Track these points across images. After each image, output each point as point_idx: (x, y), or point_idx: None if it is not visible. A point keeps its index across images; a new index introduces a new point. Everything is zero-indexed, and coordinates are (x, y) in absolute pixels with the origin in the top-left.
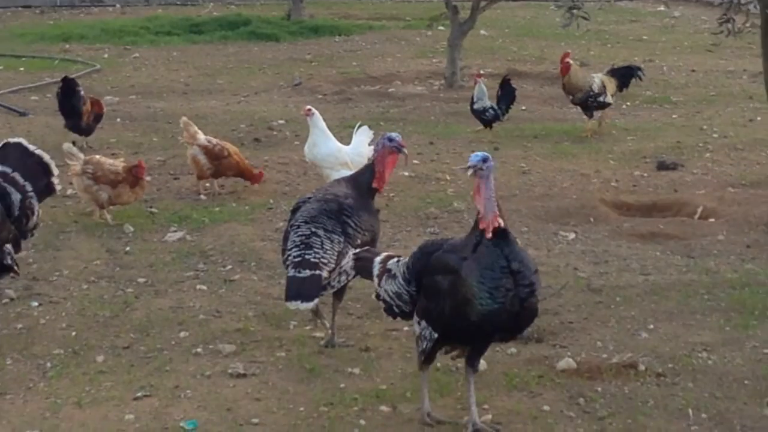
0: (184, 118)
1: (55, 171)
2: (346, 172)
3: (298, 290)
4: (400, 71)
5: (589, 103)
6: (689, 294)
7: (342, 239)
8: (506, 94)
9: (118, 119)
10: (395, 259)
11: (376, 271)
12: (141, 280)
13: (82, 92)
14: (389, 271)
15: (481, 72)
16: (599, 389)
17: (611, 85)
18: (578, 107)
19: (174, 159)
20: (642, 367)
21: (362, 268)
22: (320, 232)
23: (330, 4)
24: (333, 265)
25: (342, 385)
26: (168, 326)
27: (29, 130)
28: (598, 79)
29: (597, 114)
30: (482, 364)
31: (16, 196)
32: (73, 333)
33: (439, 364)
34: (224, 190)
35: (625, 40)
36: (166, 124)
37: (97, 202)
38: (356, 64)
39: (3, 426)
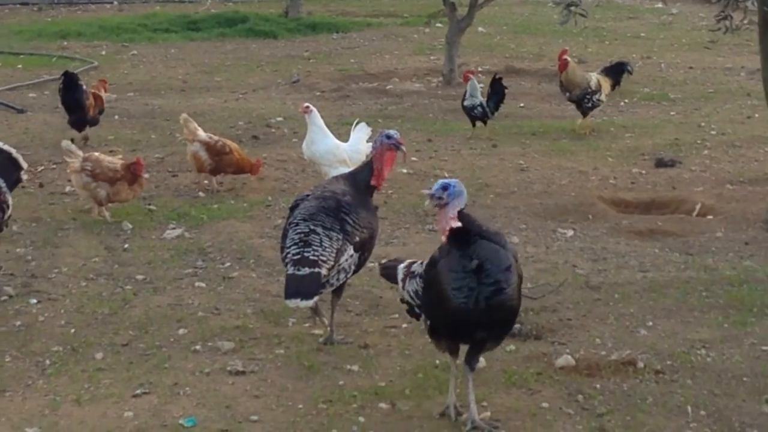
0: (184, 115)
1: (24, 165)
2: (345, 170)
3: (297, 288)
4: (398, 68)
5: (585, 101)
6: (688, 291)
7: (340, 237)
8: (495, 93)
9: (116, 116)
10: (419, 262)
11: (400, 275)
12: (139, 277)
13: (84, 86)
14: (413, 273)
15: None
16: (598, 386)
17: (606, 84)
18: (574, 105)
19: (172, 156)
20: (641, 364)
21: (389, 276)
22: (319, 230)
23: (327, 2)
24: (332, 263)
25: (341, 382)
26: (167, 323)
27: (27, 128)
28: (594, 78)
29: (593, 113)
30: (481, 361)
31: None
32: (72, 330)
33: (438, 362)
34: (222, 188)
35: (622, 37)
36: (164, 122)
37: (95, 200)
38: (354, 61)
39: (2, 423)
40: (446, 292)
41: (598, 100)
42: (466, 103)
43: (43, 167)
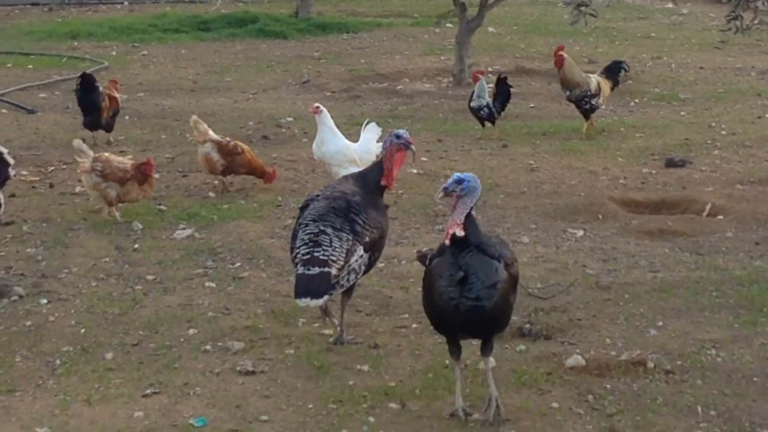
0: (194, 117)
1: (11, 160)
2: (355, 170)
3: (307, 287)
4: (408, 68)
5: (584, 102)
6: (698, 291)
7: (350, 237)
8: (501, 92)
9: (127, 117)
10: None
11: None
12: (150, 277)
13: (100, 88)
14: None
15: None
16: (608, 386)
17: (606, 87)
18: (573, 105)
19: (182, 156)
20: (651, 364)
21: (422, 259)
22: (328, 230)
23: (338, 2)
24: (342, 263)
25: (351, 383)
26: (177, 323)
27: (38, 128)
28: (594, 80)
29: (596, 114)
30: (491, 361)
31: None
32: (82, 330)
33: (447, 362)
34: (233, 188)
35: (633, 38)
36: (174, 122)
37: (105, 200)
38: (364, 61)
39: (12, 423)
40: (432, 291)
41: (597, 103)
42: (472, 104)
43: (53, 167)
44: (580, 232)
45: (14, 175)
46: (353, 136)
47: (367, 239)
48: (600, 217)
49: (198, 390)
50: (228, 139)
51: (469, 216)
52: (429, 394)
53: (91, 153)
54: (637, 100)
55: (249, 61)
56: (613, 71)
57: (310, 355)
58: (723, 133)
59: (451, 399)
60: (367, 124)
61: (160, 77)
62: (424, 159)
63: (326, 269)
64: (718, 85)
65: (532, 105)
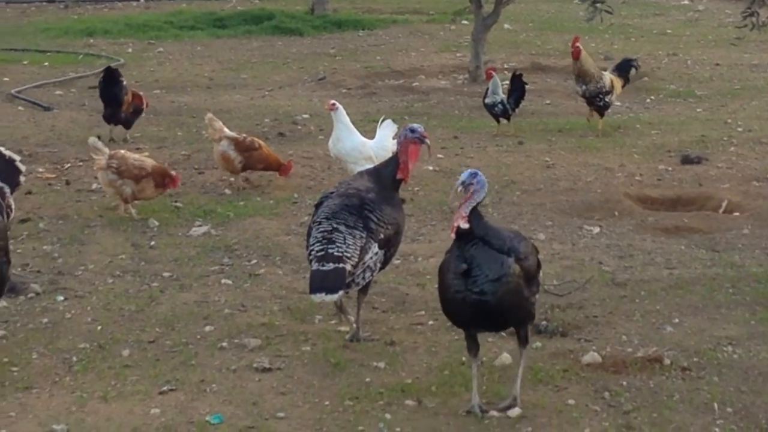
0: (210, 115)
1: (23, 168)
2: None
3: (322, 283)
4: (424, 65)
5: (598, 99)
6: (714, 288)
7: (364, 234)
8: (516, 89)
9: (143, 114)
10: None
11: None
12: (166, 274)
13: (124, 82)
14: None
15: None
16: (624, 383)
17: (618, 84)
18: (586, 101)
19: (198, 153)
20: (667, 361)
21: None
22: (342, 228)
23: None
24: (356, 260)
25: (367, 380)
26: (193, 320)
27: (54, 125)
28: (608, 77)
29: (607, 113)
30: (507, 357)
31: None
32: (99, 327)
33: (464, 359)
34: (249, 185)
35: (648, 34)
36: (190, 119)
37: (121, 197)
38: (380, 58)
39: (29, 420)
40: (441, 285)
41: (611, 100)
42: (487, 100)
43: (69, 164)
44: (596, 229)
45: (23, 182)
46: (369, 133)
47: (382, 236)
48: (616, 213)
49: (214, 387)
50: (244, 135)
51: (474, 209)
52: (445, 391)
53: (106, 150)
54: (653, 97)
55: (265, 58)
56: (624, 69)
57: (326, 352)
58: (739, 129)
59: (467, 396)
60: (383, 121)
61: (176, 74)
62: (439, 156)
63: (341, 265)
64: (734, 81)
65: (547, 102)
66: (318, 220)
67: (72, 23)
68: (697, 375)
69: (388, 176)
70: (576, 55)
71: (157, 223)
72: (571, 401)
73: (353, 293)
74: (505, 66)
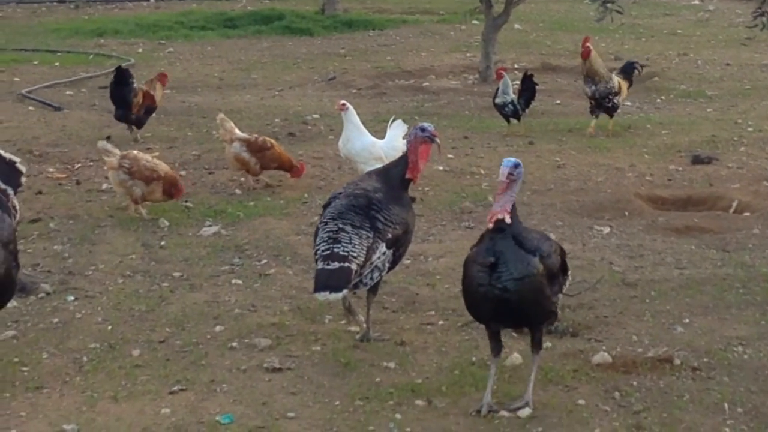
0: (221, 115)
1: (24, 169)
2: None
3: (326, 281)
4: (434, 65)
5: (607, 101)
6: (724, 288)
7: (371, 234)
8: (526, 89)
9: (153, 113)
10: None
11: None
12: (176, 274)
13: (135, 84)
14: None
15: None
16: (634, 383)
17: (624, 87)
18: (594, 102)
19: (209, 153)
20: (677, 361)
21: None
22: (348, 228)
23: None
24: (362, 260)
25: (377, 380)
26: (203, 320)
27: (64, 125)
28: (615, 79)
29: (616, 113)
30: (517, 357)
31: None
32: (109, 327)
33: (474, 359)
34: (259, 185)
35: (659, 34)
36: (200, 119)
37: (131, 197)
38: (390, 58)
39: (40, 420)
40: (465, 276)
41: (619, 101)
42: (497, 100)
43: (80, 164)
44: (607, 229)
45: (24, 183)
46: (379, 133)
47: (390, 236)
48: (626, 213)
49: (224, 387)
50: (255, 135)
51: (513, 205)
52: (455, 391)
53: (116, 151)
54: (663, 97)
55: (275, 59)
56: (628, 71)
57: (336, 352)
58: (749, 129)
59: (477, 396)
60: (393, 121)
61: (186, 74)
62: (450, 156)
63: (346, 264)
64: (744, 81)
65: (558, 102)
66: (325, 220)
67: (82, 23)
68: (707, 375)
69: (396, 176)
70: (585, 54)
71: (167, 223)
72: (581, 401)
73: (362, 293)
74: (516, 66)
